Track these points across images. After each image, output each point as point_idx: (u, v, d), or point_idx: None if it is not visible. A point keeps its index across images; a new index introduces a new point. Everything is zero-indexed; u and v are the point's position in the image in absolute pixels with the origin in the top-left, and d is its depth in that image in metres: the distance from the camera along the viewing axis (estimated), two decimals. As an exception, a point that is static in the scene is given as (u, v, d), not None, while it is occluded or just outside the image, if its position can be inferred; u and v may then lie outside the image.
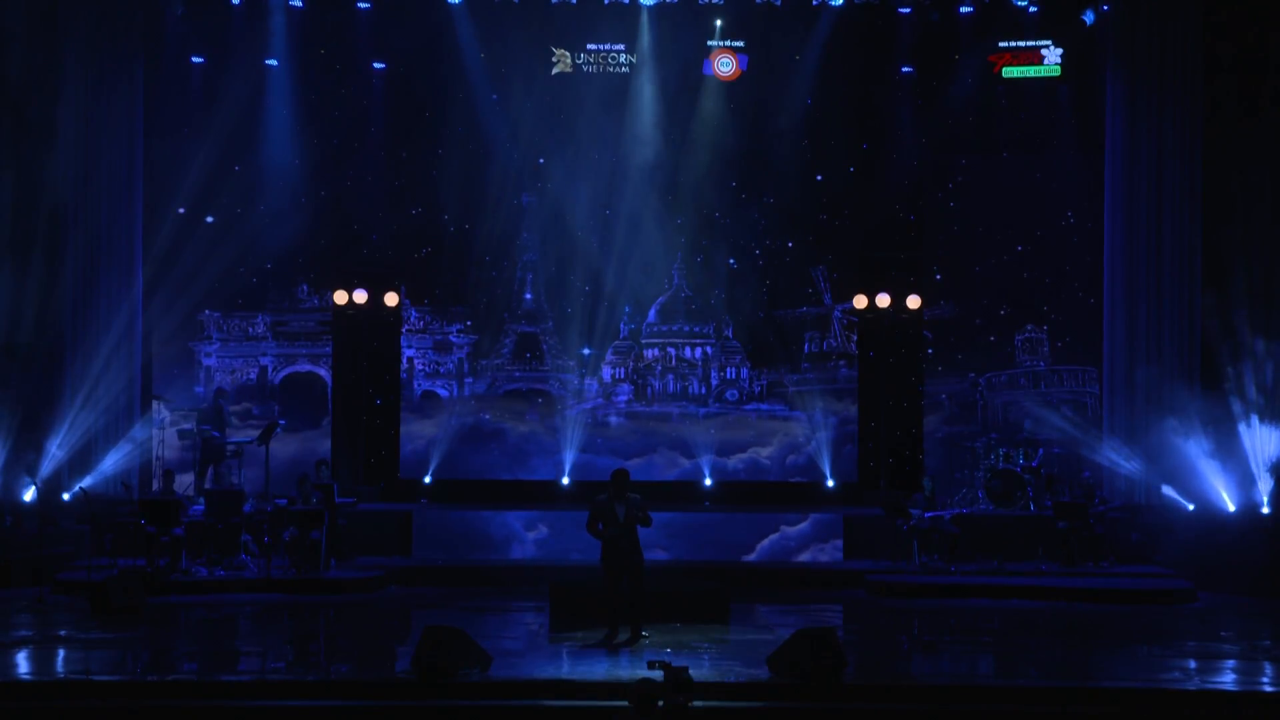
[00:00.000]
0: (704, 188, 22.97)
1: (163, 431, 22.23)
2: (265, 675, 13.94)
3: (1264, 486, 20.30)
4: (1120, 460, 21.01)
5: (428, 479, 22.96)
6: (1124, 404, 21.19)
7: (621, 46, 22.69)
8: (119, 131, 21.51)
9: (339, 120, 22.86)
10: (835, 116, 22.95)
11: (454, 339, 23.44)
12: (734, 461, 23.17)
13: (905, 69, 22.72)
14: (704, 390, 23.36)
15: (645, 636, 15.16)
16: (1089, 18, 22.14)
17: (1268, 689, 13.70)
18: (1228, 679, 14.17)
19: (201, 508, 19.67)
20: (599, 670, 13.85)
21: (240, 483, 21.23)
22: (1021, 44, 22.40)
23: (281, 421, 21.87)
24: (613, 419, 23.33)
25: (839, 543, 21.06)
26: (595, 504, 15.24)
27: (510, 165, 22.98)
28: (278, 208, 22.80)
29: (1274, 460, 20.41)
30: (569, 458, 22.90)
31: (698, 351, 23.38)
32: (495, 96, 22.75)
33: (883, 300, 22.77)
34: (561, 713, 12.78)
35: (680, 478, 22.85)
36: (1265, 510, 20.17)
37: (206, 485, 21.03)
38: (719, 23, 22.56)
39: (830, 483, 22.90)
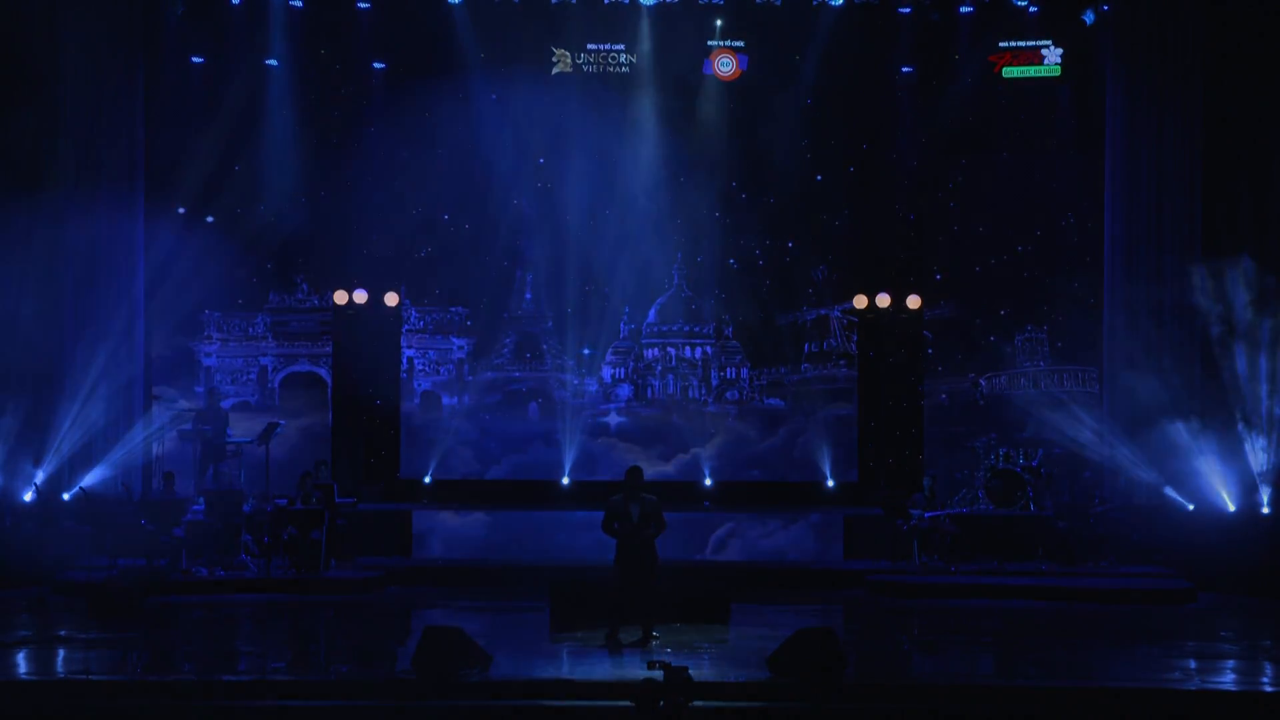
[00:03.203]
0: (704, 187, 22.98)
1: (162, 432, 22.23)
2: (265, 675, 13.94)
3: (1264, 485, 20.32)
4: (1120, 460, 21.00)
5: (428, 479, 22.96)
6: (1124, 404, 21.16)
7: (621, 46, 22.69)
8: (119, 131, 21.52)
9: (339, 120, 22.86)
10: (835, 116, 22.97)
11: (454, 339, 23.44)
12: (734, 461, 23.15)
13: (905, 69, 22.71)
14: (704, 390, 23.35)
15: (655, 637, 15.17)
16: (1089, 18, 22.14)
17: (1268, 689, 13.71)
18: (1228, 679, 14.18)
19: (201, 508, 19.67)
20: (599, 670, 13.86)
21: (241, 482, 21.21)
22: (1021, 44, 22.40)
23: (281, 422, 21.87)
24: (613, 419, 23.32)
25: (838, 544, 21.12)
26: (610, 504, 15.25)
27: (510, 165, 22.96)
28: (278, 208, 22.79)
29: (1274, 461, 20.41)
30: (569, 458, 22.90)
31: (698, 351, 23.38)
32: (495, 96, 22.75)
33: (883, 300, 22.79)
34: (561, 713, 12.78)
35: (680, 478, 22.84)
36: (1265, 510, 20.18)
37: (206, 485, 21.03)
38: (719, 23, 22.56)
39: (830, 483, 22.90)
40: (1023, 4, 22.17)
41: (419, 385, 23.38)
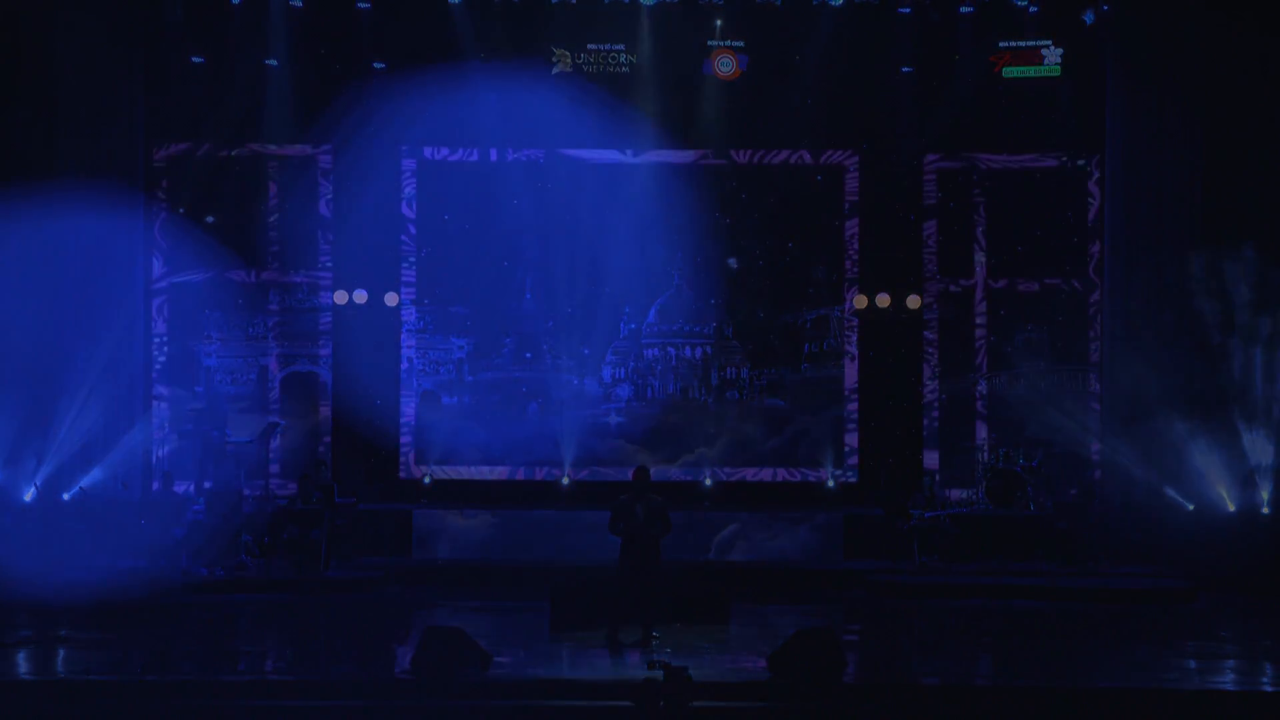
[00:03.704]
0: (704, 187, 23.00)
1: (162, 431, 22.25)
2: (265, 675, 13.95)
3: (1264, 484, 20.33)
4: (1120, 459, 21.00)
5: (427, 480, 22.97)
6: (1123, 403, 21.19)
7: (621, 46, 22.69)
8: (120, 131, 21.55)
9: (339, 120, 22.84)
10: (835, 116, 22.97)
11: (454, 339, 23.44)
12: (734, 462, 23.14)
13: (905, 69, 22.71)
14: (704, 390, 23.34)
15: (655, 637, 15.17)
16: (1089, 18, 22.13)
17: (1268, 689, 13.71)
18: (1228, 679, 14.18)
19: (201, 508, 19.68)
20: (599, 670, 13.86)
21: (240, 482, 21.21)
22: (1021, 44, 22.39)
23: (281, 422, 21.86)
24: (613, 419, 23.31)
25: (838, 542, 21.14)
26: (617, 504, 15.27)
27: (510, 165, 22.99)
28: (277, 207, 22.83)
29: (1274, 459, 20.41)
30: (569, 458, 22.90)
31: (698, 351, 23.38)
32: (495, 96, 22.73)
33: (883, 300, 22.83)
34: (561, 713, 12.79)
35: (680, 478, 22.84)
36: (1265, 510, 20.18)
37: (206, 485, 21.03)
38: (719, 23, 22.57)
39: (830, 483, 22.91)
40: (1023, 4, 22.17)
41: (418, 385, 23.36)
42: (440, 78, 22.69)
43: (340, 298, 22.89)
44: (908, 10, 22.34)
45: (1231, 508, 20.28)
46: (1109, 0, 21.80)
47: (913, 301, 22.80)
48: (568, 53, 22.67)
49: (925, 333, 23.06)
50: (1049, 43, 22.31)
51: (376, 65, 22.79)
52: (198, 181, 22.49)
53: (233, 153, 22.64)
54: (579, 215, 22.90)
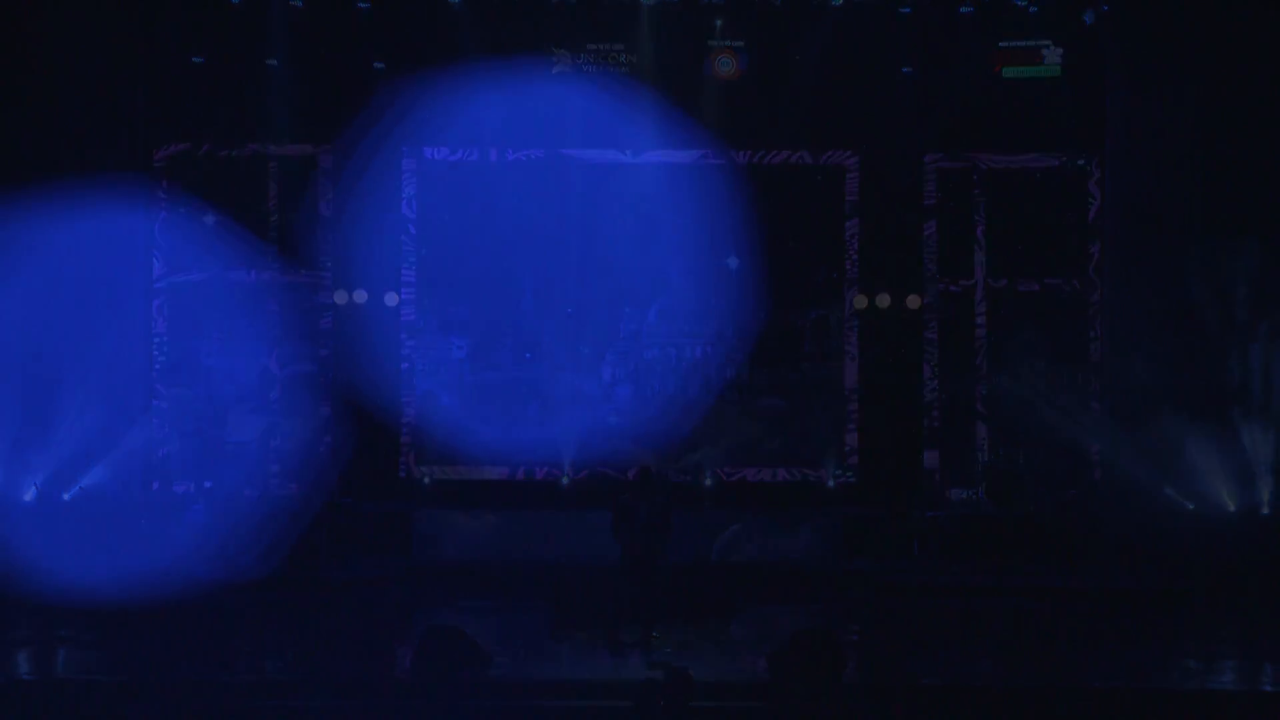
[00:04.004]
0: (704, 187, 22.99)
1: (162, 431, 22.24)
2: (265, 675, 13.95)
3: (1265, 484, 20.34)
4: (1120, 459, 20.99)
5: (427, 479, 22.97)
6: (1124, 404, 21.20)
7: (621, 46, 22.71)
8: (119, 132, 21.55)
9: (338, 120, 22.85)
10: (835, 116, 22.97)
11: (454, 339, 23.43)
12: (733, 462, 23.13)
13: (905, 69, 22.72)
14: (704, 390, 23.33)
15: (656, 637, 15.18)
16: (1089, 18, 22.13)
17: (1268, 689, 13.72)
18: (1228, 679, 14.18)
19: (202, 508, 19.67)
20: (599, 670, 13.87)
21: (241, 483, 21.20)
22: (1021, 44, 22.40)
23: (281, 422, 21.83)
24: (613, 419, 23.31)
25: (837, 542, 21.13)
26: (619, 504, 15.28)
27: (510, 165, 23.00)
28: (277, 207, 22.84)
29: (1274, 459, 20.41)
30: (569, 458, 22.89)
31: (698, 351, 23.37)
32: (495, 96, 22.73)
33: (883, 300, 22.84)
34: (561, 713, 12.79)
35: (680, 478, 22.80)
36: (1265, 510, 20.18)
37: (206, 485, 21.03)
38: (719, 23, 22.59)
39: (830, 483, 22.91)
40: (1023, 4, 22.18)
41: (419, 385, 23.36)
42: (440, 78, 22.67)
43: (340, 298, 22.90)
44: (908, 10, 22.35)
45: (1231, 507, 20.28)
46: (1109, 0, 21.80)
47: (913, 301, 22.80)
48: (568, 52, 22.68)
49: (925, 333, 23.07)
50: (1049, 43, 22.32)
51: (376, 65, 22.80)
52: (198, 181, 22.51)
53: (233, 153, 22.67)
54: (579, 215, 22.92)
